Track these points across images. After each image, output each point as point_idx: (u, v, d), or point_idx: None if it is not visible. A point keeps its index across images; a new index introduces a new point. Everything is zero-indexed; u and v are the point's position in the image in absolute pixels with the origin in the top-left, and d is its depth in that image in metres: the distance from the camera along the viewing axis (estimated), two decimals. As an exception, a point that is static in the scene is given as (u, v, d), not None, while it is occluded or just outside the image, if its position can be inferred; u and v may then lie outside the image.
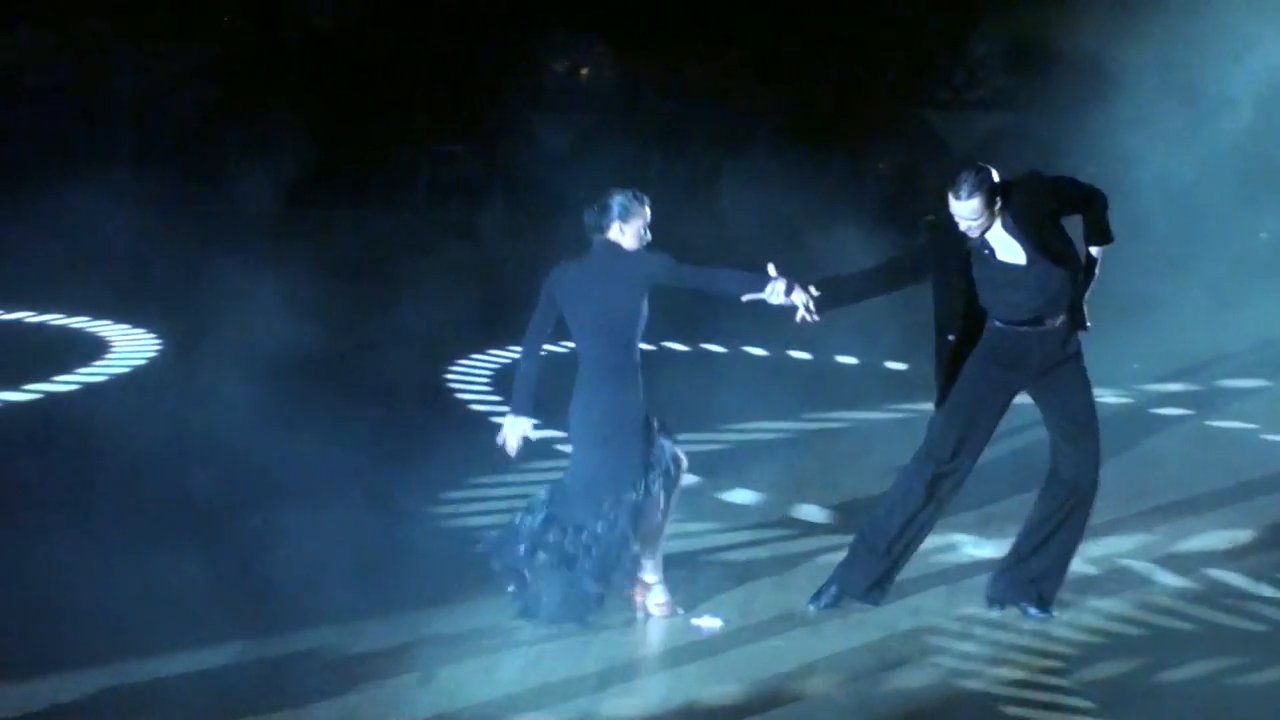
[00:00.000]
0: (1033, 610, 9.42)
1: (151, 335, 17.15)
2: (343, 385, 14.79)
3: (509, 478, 11.35)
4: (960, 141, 25.98)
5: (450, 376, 15.62)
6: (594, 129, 26.48)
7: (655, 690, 8.53)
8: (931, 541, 9.83)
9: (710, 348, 16.90)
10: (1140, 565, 10.39)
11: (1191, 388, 15.40)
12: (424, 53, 26.38)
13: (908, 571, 9.65)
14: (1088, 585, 9.96)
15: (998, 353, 9.30)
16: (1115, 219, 9.37)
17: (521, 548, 9.33)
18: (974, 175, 9.03)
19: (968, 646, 9.09)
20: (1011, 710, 8.34)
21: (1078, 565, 9.85)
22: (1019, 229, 9.15)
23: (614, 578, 9.31)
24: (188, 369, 15.47)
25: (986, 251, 9.22)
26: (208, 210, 24.28)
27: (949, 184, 9.07)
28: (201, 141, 26.92)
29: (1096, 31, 21.48)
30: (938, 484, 9.39)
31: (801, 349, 16.58)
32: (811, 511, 11.37)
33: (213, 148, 26.68)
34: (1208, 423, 14.04)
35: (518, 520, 9.42)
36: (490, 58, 26.48)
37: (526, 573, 9.33)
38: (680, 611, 9.52)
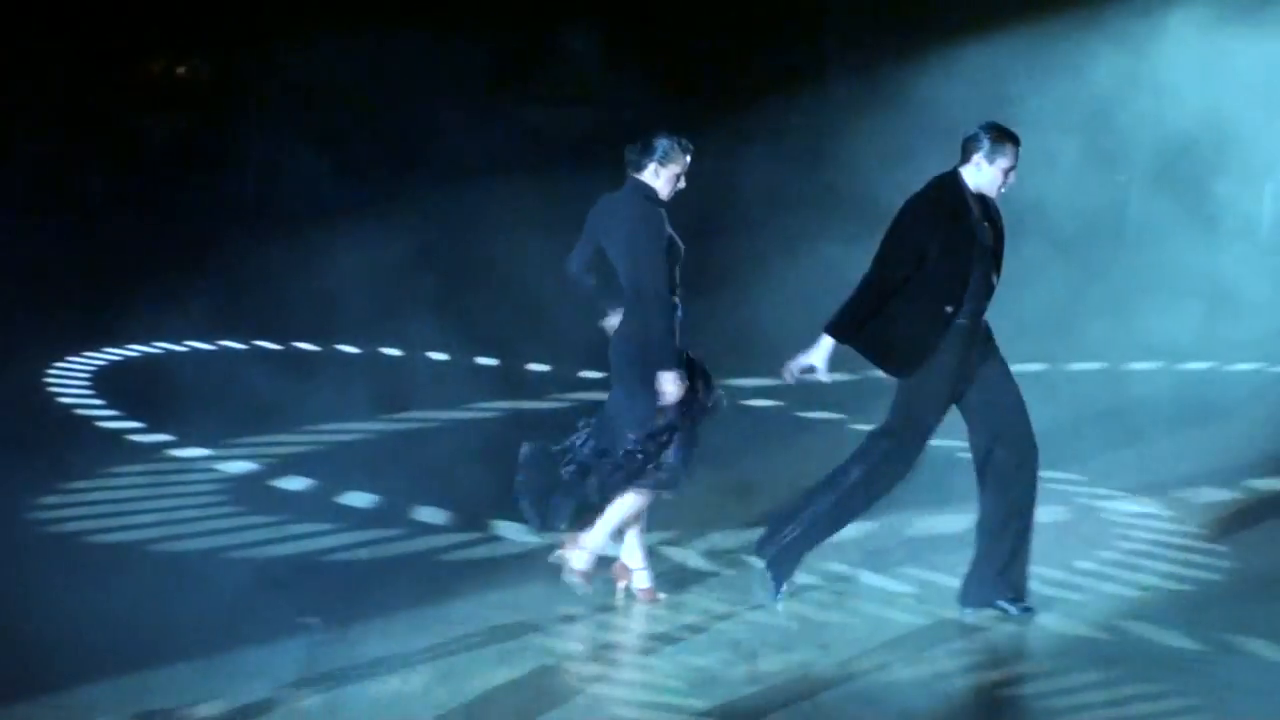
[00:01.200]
0: (1011, 608, 9.42)
1: None
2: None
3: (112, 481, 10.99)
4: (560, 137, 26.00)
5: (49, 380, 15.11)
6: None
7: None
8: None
9: (302, 346, 16.66)
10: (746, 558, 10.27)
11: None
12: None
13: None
14: (694, 579, 9.98)
15: (967, 350, 9.33)
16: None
17: (572, 469, 9.40)
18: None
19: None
20: (611, 706, 8.22)
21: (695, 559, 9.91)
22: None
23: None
24: None
25: (985, 224, 9.33)
26: None
27: (1007, 134, 9.30)
28: None
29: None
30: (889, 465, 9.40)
31: (394, 346, 16.59)
32: (427, 512, 11.14)
33: None
34: (797, 414, 14.12)
35: (577, 442, 9.47)
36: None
37: (556, 494, 9.41)
38: (662, 597, 9.57)
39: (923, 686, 8.48)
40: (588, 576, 9.53)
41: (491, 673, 8.45)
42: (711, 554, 10.45)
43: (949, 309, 9.22)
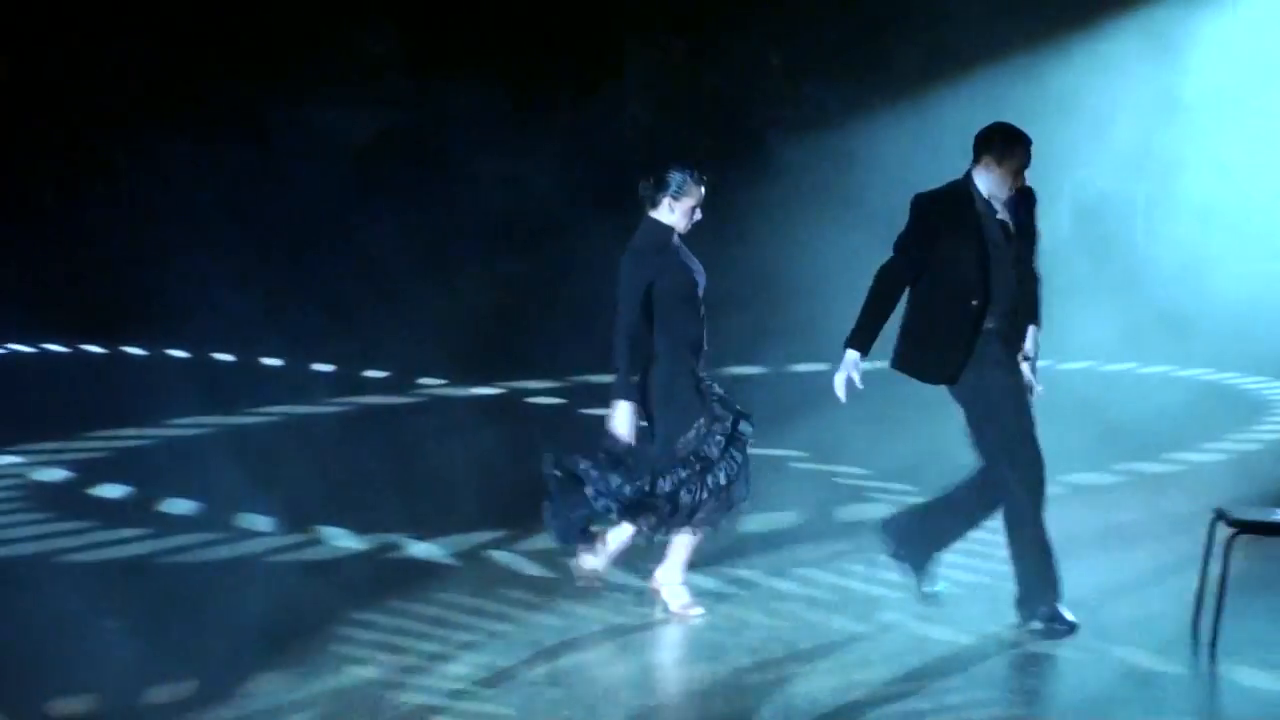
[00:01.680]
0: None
1: None
2: None
3: None
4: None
5: None
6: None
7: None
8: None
9: (130, 350, 16.41)
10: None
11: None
12: None
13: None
14: (520, 581, 10.07)
15: (1007, 347, 9.41)
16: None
17: (613, 506, 9.37)
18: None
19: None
20: (406, 697, 8.24)
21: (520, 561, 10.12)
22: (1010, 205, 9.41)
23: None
24: None
25: (999, 223, 9.36)
26: None
27: (1019, 136, 9.28)
28: None
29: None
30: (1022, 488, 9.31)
31: (225, 350, 16.47)
32: (250, 517, 11.15)
33: None
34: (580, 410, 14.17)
35: (613, 484, 9.35)
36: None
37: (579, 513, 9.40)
38: (698, 612, 9.47)
39: (837, 693, 8.52)
40: (689, 605, 9.55)
41: (336, 675, 8.49)
42: (533, 556, 10.54)
43: (974, 303, 9.23)
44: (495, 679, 8.52)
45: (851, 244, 20.26)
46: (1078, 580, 9.63)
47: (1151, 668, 8.87)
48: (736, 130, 23.36)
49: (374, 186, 22.98)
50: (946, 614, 9.58)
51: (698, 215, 9.54)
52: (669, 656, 9.05)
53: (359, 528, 10.95)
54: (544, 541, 10.59)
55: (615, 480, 9.31)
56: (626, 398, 9.37)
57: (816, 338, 16.53)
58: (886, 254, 9.37)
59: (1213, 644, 9.02)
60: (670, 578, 9.59)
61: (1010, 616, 9.38)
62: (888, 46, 23.02)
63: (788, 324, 17.50)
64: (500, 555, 10.56)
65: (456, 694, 8.36)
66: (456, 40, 24.78)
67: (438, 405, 15.05)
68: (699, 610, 9.51)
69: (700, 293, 9.52)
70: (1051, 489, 9.40)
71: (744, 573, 10.30)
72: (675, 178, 9.47)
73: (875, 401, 14.50)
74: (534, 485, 11.67)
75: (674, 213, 9.49)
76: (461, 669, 8.66)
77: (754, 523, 11.14)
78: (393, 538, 10.80)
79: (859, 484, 12.33)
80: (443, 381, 15.59)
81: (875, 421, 13.37)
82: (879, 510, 11.58)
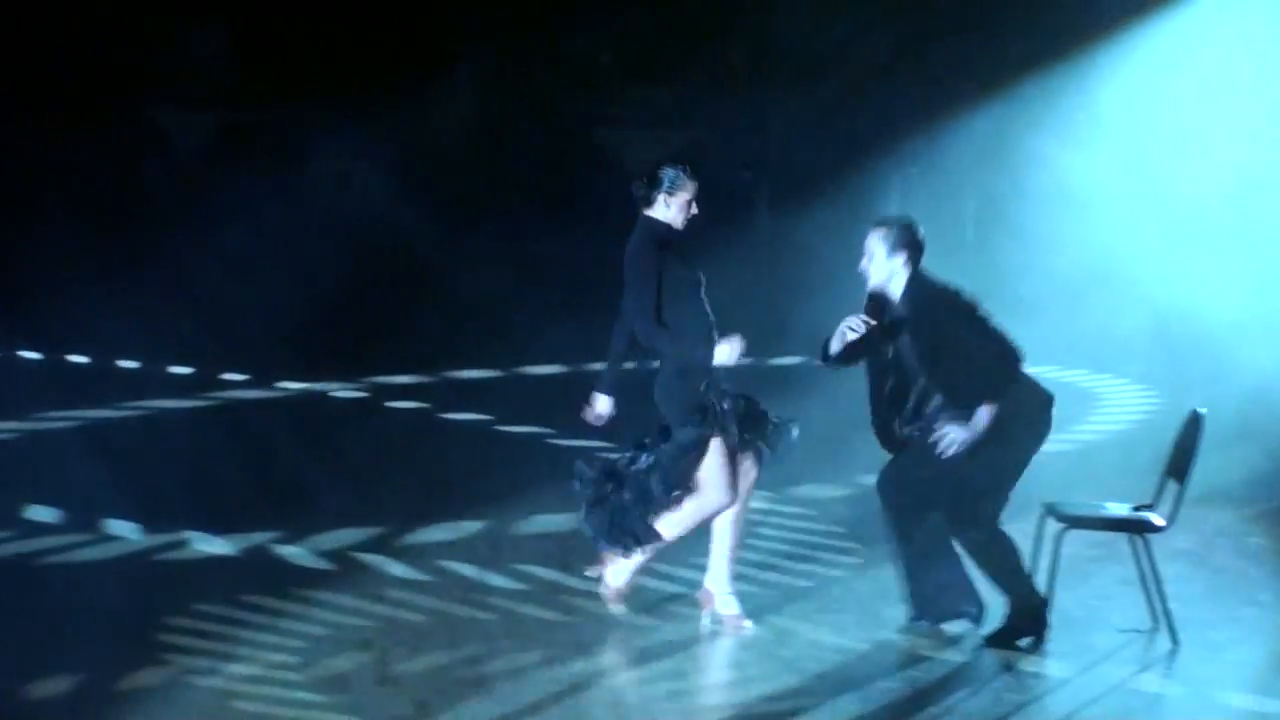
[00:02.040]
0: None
1: None
2: None
3: None
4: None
5: None
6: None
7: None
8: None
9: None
10: (371, 558, 10.32)
11: (425, 380, 15.56)
12: None
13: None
14: (319, 579, 9.87)
15: None
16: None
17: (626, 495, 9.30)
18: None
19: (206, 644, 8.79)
20: (240, 705, 8.05)
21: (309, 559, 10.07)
22: None
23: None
24: None
25: None
26: None
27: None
28: None
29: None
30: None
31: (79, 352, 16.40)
32: (108, 520, 10.87)
33: None
34: (441, 415, 14.05)
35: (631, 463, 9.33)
36: None
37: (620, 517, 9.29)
38: (748, 624, 9.25)
39: (549, 679, 8.46)
40: (739, 617, 9.33)
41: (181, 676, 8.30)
42: (325, 553, 10.38)
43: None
44: (333, 679, 8.38)
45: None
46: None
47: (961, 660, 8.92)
48: (566, 128, 23.33)
49: (214, 185, 22.76)
50: (752, 610, 9.43)
51: (693, 210, 9.41)
52: (462, 654, 8.78)
53: (214, 528, 10.69)
54: (412, 539, 10.64)
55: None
56: (609, 393, 9.48)
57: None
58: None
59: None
60: (720, 586, 9.39)
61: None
62: (716, 47, 23.07)
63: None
64: (366, 557, 10.34)
65: (282, 683, 8.26)
66: (288, 38, 24.59)
67: (297, 404, 14.81)
68: (749, 623, 9.32)
69: (703, 291, 9.39)
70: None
71: (537, 570, 10.15)
72: (668, 174, 9.36)
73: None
74: (394, 485, 11.54)
75: (670, 209, 9.36)
76: (290, 667, 8.49)
77: (549, 520, 11.03)
78: (251, 537, 10.59)
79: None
80: (303, 383, 15.37)
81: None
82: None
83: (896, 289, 9.12)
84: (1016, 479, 9.12)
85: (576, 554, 10.11)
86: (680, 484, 9.17)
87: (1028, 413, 9.05)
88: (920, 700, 8.37)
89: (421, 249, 19.35)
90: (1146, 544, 9.24)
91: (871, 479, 9.38)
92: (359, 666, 8.55)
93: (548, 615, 9.42)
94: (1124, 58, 18.61)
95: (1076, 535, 9.44)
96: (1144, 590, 9.30)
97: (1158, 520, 9.20)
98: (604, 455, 9.49)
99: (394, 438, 13.57)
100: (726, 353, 9.11)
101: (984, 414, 8.91)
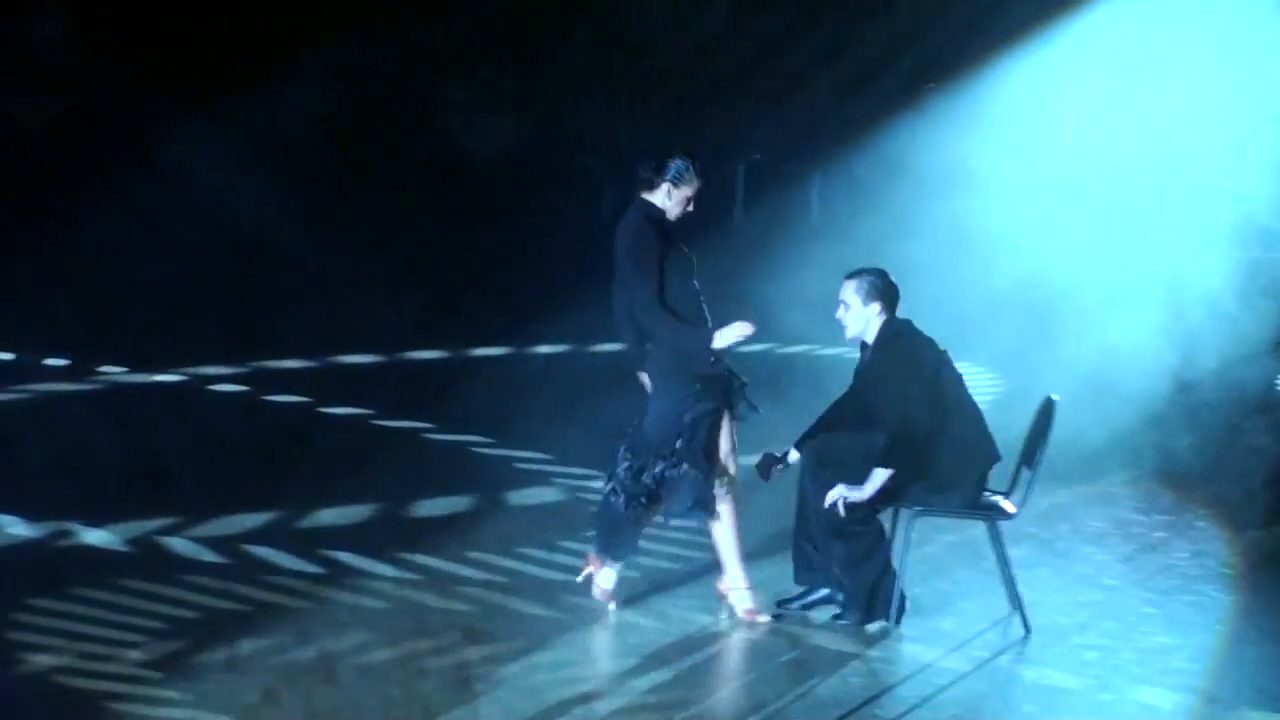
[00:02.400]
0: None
1: None
2: None
3: None
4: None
5: None
6: None
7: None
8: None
9: None
10: (262, 550, 10.43)
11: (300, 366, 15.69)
12: None
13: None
14: (191, 567, 10.01)
15: None
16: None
17: (620, 498, 9.44)
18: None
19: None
20: (88, 693, 8.16)
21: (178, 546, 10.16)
22: None
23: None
24: None
25: None
26: None
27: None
28: None
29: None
30: None
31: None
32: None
33: None
34: (263, 395, 14.18)
35: (619, 471, 9.46)
36: None
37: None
38: (764, 619, 9.40)
39: (402, 666, 8.65)
40: (755, 610, 9.49)
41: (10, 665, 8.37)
42: (209, 541, 10.49)
43: None
44: (173, 665, 8.48)
45: (515, 230, 20.56)
46: (774, 560, 9.95)
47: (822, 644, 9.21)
48: (409, 114, 23.34)
49: (54, 172, 22.54)
50: (621, 597, 9.71)
51: (690, 207, 9.54)
52: (348, 642, 8.99)
53: (31, 514, 10.75)
54: (221, 528, 10.71)
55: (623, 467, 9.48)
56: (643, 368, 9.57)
57: (501, 319, 16.78)
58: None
59: (891, 616, 9.39)
60: (735, 582, 9.54)
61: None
62: (561, 34, 23.17)
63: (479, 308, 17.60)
64: (175, 542, 10.46)
65: (134, 681, 8.30)
66: (135, 22, 24.38)
67: (116, 392, 14.77)
68: (765, 617, 9.50)
69: (695, 277, 9.53)
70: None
71: (421, 558, 10.34)
72: (677, 165, 9.45)
73: (559, 386, 14.78)
74: (213, 472, 11.67)
75: (670, 199, 9.47)
76: (139, 655, 8.59)
77: (432, 507, 11.24)
78: (66, 525, 10.65)
79: (539, 469, 12.41)
80: (122, 369, 15.36)
81: (558, 406, 13.54)
82: (556, 494, 11.76)
83: (872, 335, 9.48)
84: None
85: (410, 542, 10.41)
86: (698, 461, 9.35)
87: (964, 468, 9.44)
88: (765, 686, 8.64)
89: (276, 235, 19.33)
90: (998, 531, 9.54)
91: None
92: (203, 652, 8.66)
93: (435, 601, 9.60)
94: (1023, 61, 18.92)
95: (936, 522, 9.88)
96: (1000, 577, 9.62)
97: (1009, 507, 9.51)
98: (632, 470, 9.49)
99: (273, 425, 13.71)
100: (735, 334, 9.26)
101: (878, 477, 9.23)
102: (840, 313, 9.49)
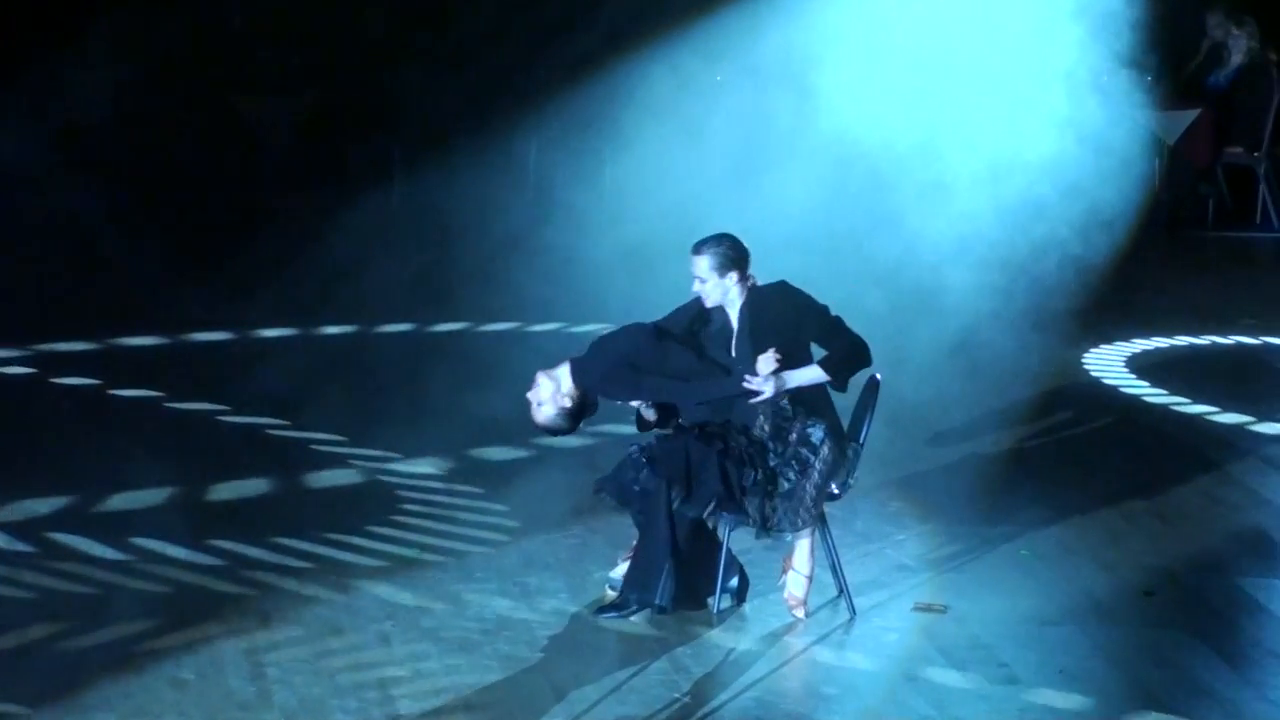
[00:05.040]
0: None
1: None
2: None
3: None
4: None
5: None
6: None
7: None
8: None
9: None
10: (54, 536, 10.40)
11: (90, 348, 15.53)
12: None
13: None
14: None
15: None
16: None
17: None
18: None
19: None
20: None
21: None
22: None
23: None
24: None
25: None
26: None
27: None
28: None
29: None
30: None
31: None
32: None
33: None
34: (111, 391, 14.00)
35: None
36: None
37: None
38: (801, 615, 9.49)
39: (194, 651, 8.70)
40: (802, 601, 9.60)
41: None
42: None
43: None
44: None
45: (311, 209, 20.41)
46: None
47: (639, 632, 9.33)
48: (196, 91, 23.11)
49: None
50: (417, 581, 9.81)
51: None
52: (139, 627, 9.01)
53: None
54: (9, 515, 10.67)
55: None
56: None
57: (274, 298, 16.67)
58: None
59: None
60: (803, 568, 9.66)
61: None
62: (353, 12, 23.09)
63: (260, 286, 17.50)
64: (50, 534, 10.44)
65: None
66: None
67: None
68: (803, 612, 9.57)
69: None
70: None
71: (215, 542, 10.34)
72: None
73: (352, 368, 14.76)
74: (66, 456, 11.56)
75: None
76: None
77: (227, 490, 11.25)
78: None
79: (335, 450, 12.40)
80: None
81: (352, 388, 13.55)
82: (354, 476, 11.77)
83: (734, 304, 9.58)
84: None
85: (250, 524, 10.46)
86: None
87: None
88: (566, 673, 8.70)
89: (63, 215, 19.08)
90: (824, 518, 9.56)
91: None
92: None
93: (227, 586, 9.66)
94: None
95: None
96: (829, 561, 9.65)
97: (833, 488, 9.57)
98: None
99: (61, 408, 13.56)
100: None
101: (813, 373, 9.47)
102: (696, 287, 9.61)
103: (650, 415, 9.53)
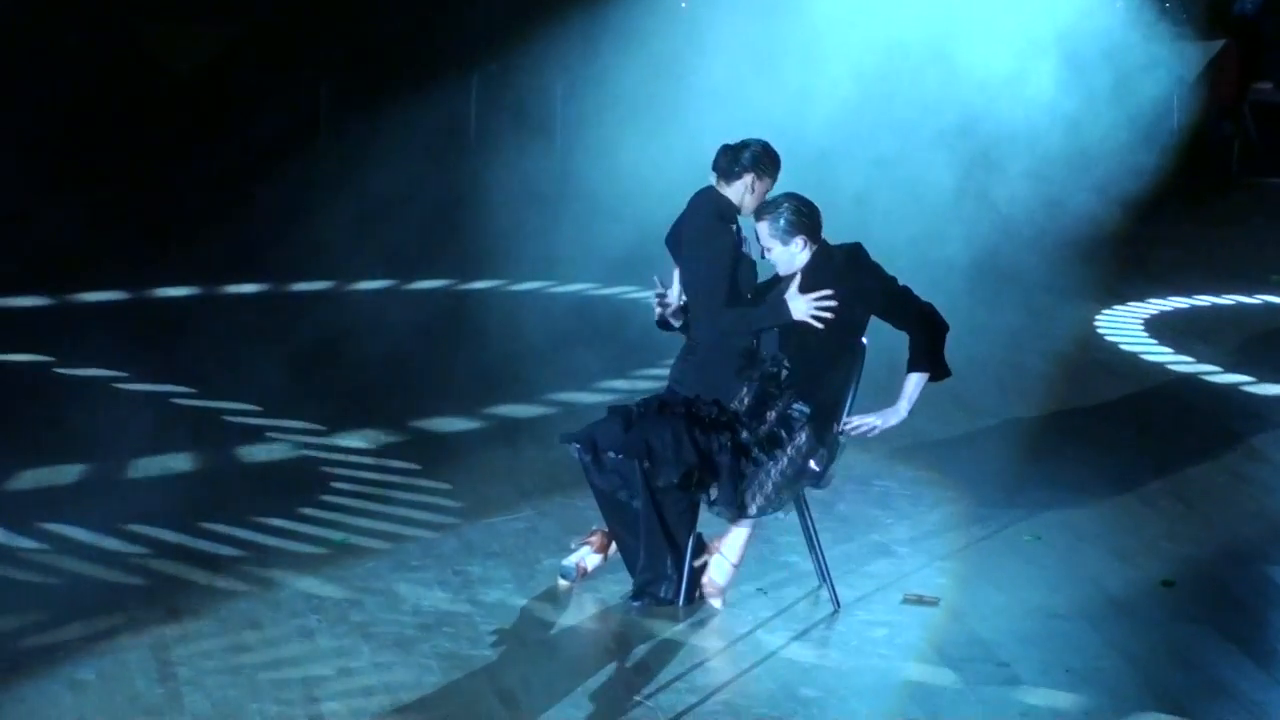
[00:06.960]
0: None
1: None
2: None
3: None
4: None
5: None
6: None
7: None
8: None
9: None
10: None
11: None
12: None
13: None
14: None
15: None
16: None
17: None
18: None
19: None
20: None
21: None
22: None
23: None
24: None
25: None
26: None
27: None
28: None
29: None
30: None
31: None
32: None
33: None
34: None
35: None
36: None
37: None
38: (717, 604, 9.55)
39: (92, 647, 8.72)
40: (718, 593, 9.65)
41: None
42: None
43: None
44: None
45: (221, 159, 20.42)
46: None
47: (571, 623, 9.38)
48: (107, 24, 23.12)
49: None
50: (346, 570, 9.83)
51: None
52: (29, 620, 9.03)
53: None
54: None
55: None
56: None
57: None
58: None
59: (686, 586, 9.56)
60: (731, 555, 9.72)
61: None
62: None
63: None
64: None
65: None
66: None
67: None
68: (719, 603, 9.62)
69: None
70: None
71: (119, 525, 10.34)
72: (764, 156, 9.75)
73: (262, 331, 14.75)
74: None
75: (753, 193, 9.74)
76: None
77: (147, 467, 11.25)
78: None
79: (251, 422, 12.41)
80: None
81: (270, 351, 13.57)
82: (271, 452, 11.79)
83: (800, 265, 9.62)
84: None
85: (125, 509, 10.45)
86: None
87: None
88: (505, 667, 8.77)
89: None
90: (805, 499, 9.67)
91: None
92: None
93: (127, 576, 9.67)
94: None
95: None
96: (809, 547, 9.74)
97: (813, 465, 9.55)
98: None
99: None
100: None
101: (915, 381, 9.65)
102: (762, 253, 9.70)
103: (673, 299, 9.75)
